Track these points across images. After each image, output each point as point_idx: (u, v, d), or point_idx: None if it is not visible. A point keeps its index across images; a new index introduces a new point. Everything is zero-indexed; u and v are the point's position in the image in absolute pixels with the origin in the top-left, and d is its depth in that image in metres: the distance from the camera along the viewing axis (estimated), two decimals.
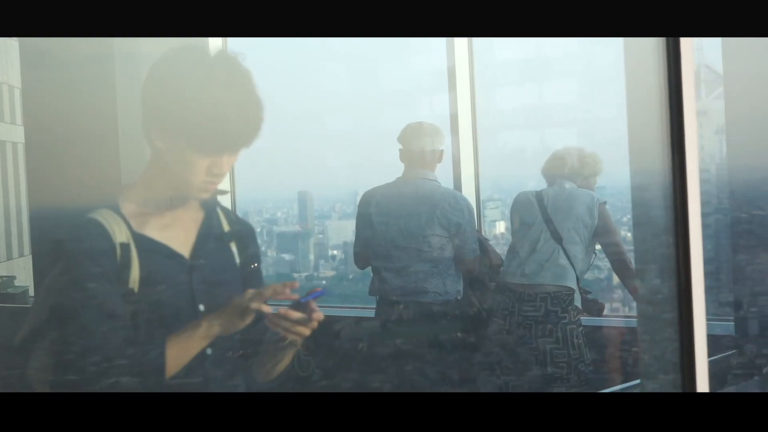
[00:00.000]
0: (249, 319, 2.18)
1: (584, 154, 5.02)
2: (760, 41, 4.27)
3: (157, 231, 2.25)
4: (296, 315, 2.21)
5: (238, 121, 2.18)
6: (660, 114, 2.49)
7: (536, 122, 6.75)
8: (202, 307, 2.24)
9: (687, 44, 2.43)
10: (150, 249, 2.21)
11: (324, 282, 7.82)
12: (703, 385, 2.49)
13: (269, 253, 8.56)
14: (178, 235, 2.28)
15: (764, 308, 5.57)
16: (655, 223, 2.57)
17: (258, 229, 8.60)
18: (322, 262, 8.34)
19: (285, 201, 8.64)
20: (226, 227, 2.39)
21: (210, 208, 2.36)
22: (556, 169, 4.99)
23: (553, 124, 6.76)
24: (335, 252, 8.15)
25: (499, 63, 6.72)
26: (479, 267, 4.84)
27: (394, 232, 4.79)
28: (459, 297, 4.78)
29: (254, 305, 2.16)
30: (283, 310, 2.21)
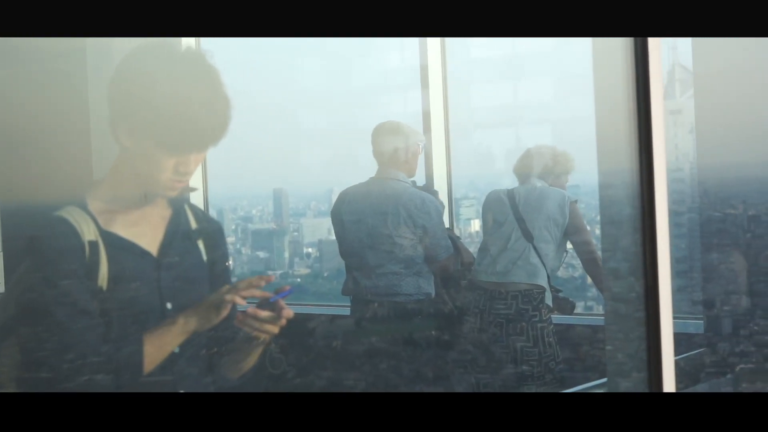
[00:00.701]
0: (224, 313, 2.19)
1: (556, 152, 5.04)
2: (730, 40, 4.29)
3: (125, 229, 2.24)
4: (265, 314, 2.21)
5: (206, 120, 2.18)
6: (628, 113, 2.49)
7: (511, 120, 6.76)
8: (169, 305, 2.24)
9: (654, 44, 2.44)
10: (118, 247, 2.21)
11: (299, 280, 7.80)
12: (669, 382, 2.51)
13: (244, 251, 8.53)
14: (146, 232, 2.28)
15: (735, 307, 5.60)
16: (623, 221, 2.58)
17: (232, 227, 8.60)
18: (297, 259, 8.32)
19: (260, 198, 8.62)
20: (193, 225, 2.39)
21: (178, 205, 2.35)
22: (527, 167, 5.01)
23: (527, 122, 6.77)
24: (310, 250, 8.13)
25: (472, 61, 6.72)
26: (453, 265, 4.84)
27: (364, 232, 4.79)
28: (431, 297, 4.78)
29: (229, 297, 2.17)
30: (252, 309, 2.21)
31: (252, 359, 2.40)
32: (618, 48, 2.47)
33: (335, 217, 4.89)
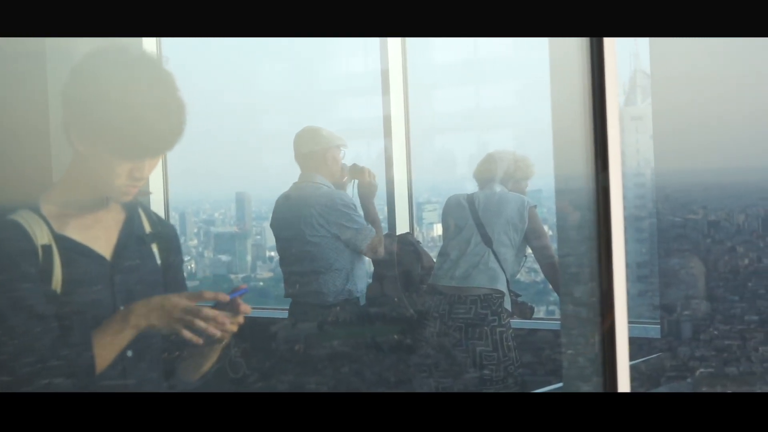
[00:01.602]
0: (175, 320, 2.17)
1: (516, 157, 5.06)
2: (686, 45, 4.32)
3: (78, 232, 2.23)
4: (223, 314, 2.20)
5: (160, 126, 2.17)
6: (584, 118, 2.50)
7: (473, 125, 6.78)
8: (122, 309, 2.23)
9: (610, 48, 2.45)
10: (71, 250, 2.20)
11: (261, 283, 7.79)
12: (624, 387, 2.51)
13: (206, 254, 8.52)
14: (100, 236, 2.27)
15: (695, 311, 5.64)
16: (579, 226, 2.58)
17: (195, 230, 8.57)
18: (259, 263, 8.31)
19: (222, 202, 8.61)
20: (147, 228, 2.38)
21: (131, 209, 2.35)
22: (487, 172, 5.02)
23: (489, 127, 6.79)
24: (272, 253, 8.12)
25: (434, 66, 6.74)
26: (382, 246, 4.85)
27: (284, 236, 4.89)
28: (354, 297, 4.81)
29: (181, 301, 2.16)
30: (208, 310, 2.20)
31: (211, 360, 2.39)
32: (574, 52, 2.48)
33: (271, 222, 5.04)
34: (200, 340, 2.19)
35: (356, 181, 4.87)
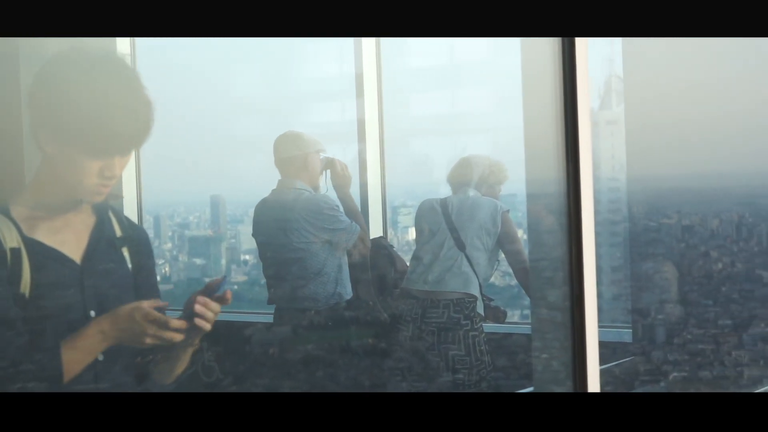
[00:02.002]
0: (147, 336, 2.17)
1: (489, 162, 5.07)
2: (659, 50, 4.34)
3: (48, 235, 2.22)
4: (214, 305, 2.23)
5: (128, 122, 2.18)
6: (555, 124, 2.51)
7: (448, 129, 6.78)
8: (92, 313, 2.22)
9: (582, 49, 2.45)
10: (41, 254, 2.19)
11: (236, 287, 7.75)
12: (594, 389, 2.52)
13: (180, 258, 8.47)
14: (70, 239, 2.26)
15: (669, 315, 5.67)
16: (550, 231, 2.59)
17: (169, 233, 8.53)
18: (234, 266, 8.28)
19: (197, 205, 8.57)
20: (118, 232, 2.37)
21: (102, 212, 2.34)
22: (461, 177, 5.04)
23: (465, 131, 6.79)
24: (247, 257, 8.10)
25: (409, 70, 6.74)
26: (368, 239, 4.90)
27: (267, 242, 4.87)
28: (344, 300, 4.81)
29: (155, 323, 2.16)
30: (197, 307, 2.21)
31: (184, 363, 2.39)
32: (546, 57, 2.48)
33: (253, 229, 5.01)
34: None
35: (329, 172, 4.87)
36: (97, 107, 2.16)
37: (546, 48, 2.47)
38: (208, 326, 2.24)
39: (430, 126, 6.78)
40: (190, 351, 2.36)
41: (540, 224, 2.64)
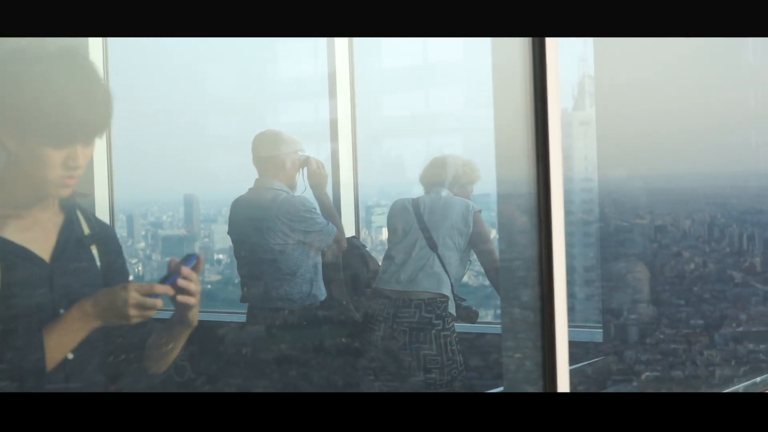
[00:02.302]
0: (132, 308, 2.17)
1: (462, 162, 5.08)
2: (631, 49, 4.35)
3: (16, 233, 2.22)
4: (194, 275, 2.26)
5: (86, 110, 2.19)
6: (526, 122, 2.51)
7: (422, 129, 6.79)
8: (62, 311, 2.22)
9: (552, 49, 2.46)
10: (10, 252, 2.18)
11: (209, 286, 7.74)
12: (564, 389, 2.53)
13: (154, 257, 8.46)
14: (39, 238, 2.26)
15: (642, 315, 5.68)
16: (521, 231, 2.60)
17: (143, 233, 8.51)
18: (207, 266, 8.26)
19: (171, 204, 8.55)
20: (86, 230, 2.37)
21: (70, 211, 2.34)
22: (433, 176, 5.05)
23: (439, 131, 6.81)
24: (221, 256, 8.09)
25: (383, 70, 6.75)
26: (344, 240, 4.89)
27: (245, 242, 4.87)
28: (318, 301, 4.81)
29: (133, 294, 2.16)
30: (163, 287, 2.22)
31: (176, 351, 2.40)
32: (517, 57, 2.49)
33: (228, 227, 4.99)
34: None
35: (305, 170, 4.86)
36: (54, 99, 2.17)
37: (516, 48, 2.48)
38: (192, 300, 2.26)
39: (404, 126, 6.79)
40: (182, 337, 2.37)
41: (511, 224, 2.65)
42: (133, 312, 2.17)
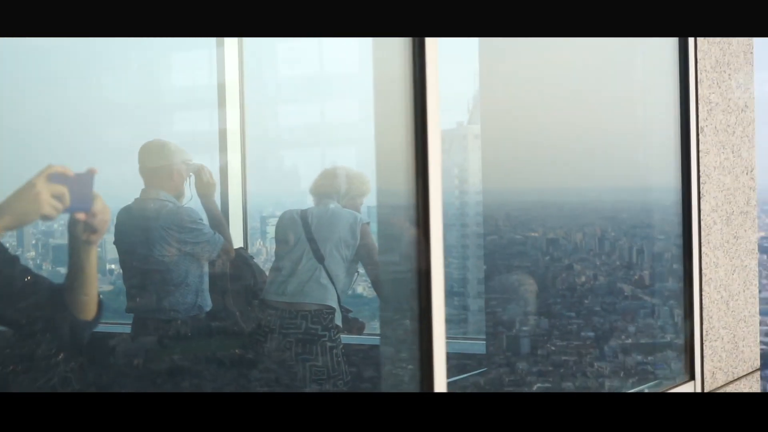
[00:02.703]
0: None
1: (351, 174, 5.10)
2: (516, 62, 4.39)
3: None
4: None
5: None
6: (406, 135, 2.52)
7: (316, 141, 6.79)
8: None
9: (432, 53, 2.47)
10: None
11: (101, 297, 7.62)
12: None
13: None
14: None
15: (533, 327, 5.73)
16: (402, 242, 2.61)
17: (33, 242, 8.36)
18: (99, 276, 8.15)
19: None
20: None
21: None
22: (322, 188, 5.06)
23: (332, 142, 6.82)
24: (113, 266, 7.97)
25: (279, 79, 6.74)
26: (232, 250, 4.92)
27: (129, 251, 4.84)
28: (204, 312, 4.79)
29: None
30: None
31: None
32: (397, 69, 2.50)
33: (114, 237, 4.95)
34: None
35: (193, 179, 4.82)
36: None
37: (397, 59, 2.49)
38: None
39: (299, 136, 6.78)
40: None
41: (392, 236, 2.66)
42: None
